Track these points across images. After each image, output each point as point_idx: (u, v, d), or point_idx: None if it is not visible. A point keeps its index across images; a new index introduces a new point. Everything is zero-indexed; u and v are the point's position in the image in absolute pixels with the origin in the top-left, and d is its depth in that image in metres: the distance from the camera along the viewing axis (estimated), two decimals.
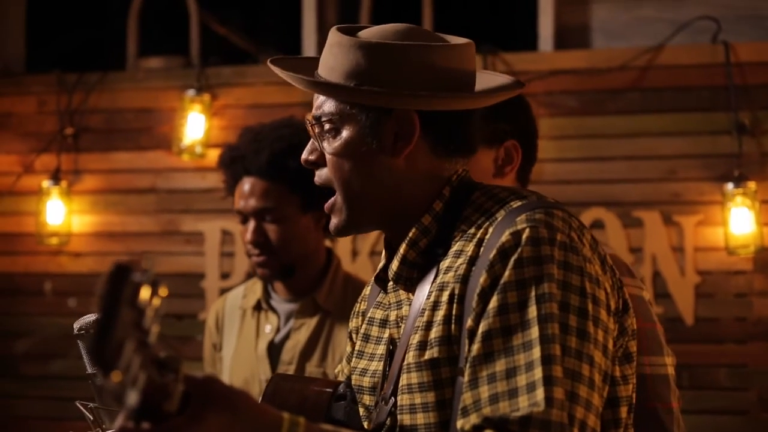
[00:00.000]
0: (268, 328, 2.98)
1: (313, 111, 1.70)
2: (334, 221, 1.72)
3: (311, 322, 2.94)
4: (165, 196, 4.75)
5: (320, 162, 1.70)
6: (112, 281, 1.17)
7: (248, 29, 6.15)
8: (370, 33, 1.70)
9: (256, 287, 3.05)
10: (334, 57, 1.67)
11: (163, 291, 1.22)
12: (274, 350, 2.96)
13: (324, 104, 1.69)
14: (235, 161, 2.94)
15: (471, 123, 1.72)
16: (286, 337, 2.96)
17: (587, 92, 4.37)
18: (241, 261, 4.51)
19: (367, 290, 1.90)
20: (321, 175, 1.71)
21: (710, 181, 4.24)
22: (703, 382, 4.13)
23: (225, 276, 4.62)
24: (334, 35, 1.69)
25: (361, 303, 1.90)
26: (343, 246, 4.45)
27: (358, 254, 4.50)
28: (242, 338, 3.03)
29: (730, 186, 4.14)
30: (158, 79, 4.80)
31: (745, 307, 4.19)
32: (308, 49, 4.73)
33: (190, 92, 4.63)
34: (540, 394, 1.43)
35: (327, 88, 1.67)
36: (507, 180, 2.34)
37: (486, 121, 2.25)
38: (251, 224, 2.89)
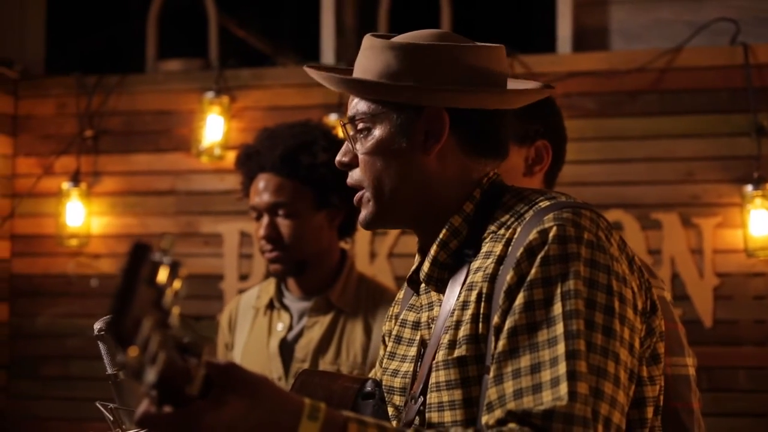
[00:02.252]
0: (280, 326, 2.99)
1: (348, 112, 1.73)
2: (363, 213, 1.73)
3: (325, 320, 2.95)
4: (184, 197, 4.76)
5: (353, 163, 1.73)
6: (130, 259, 1.19)
7: (267, 32, 6.17)
8: (404, 37, 1.74)
9: (270, 287, 3.07)
10: (367, 59, 1.71)
11: (183, 272, 1.23)
12: (286, 348, 2.96)
13: (357, 104, 1.72)
14: (250, 158, 2.97)
15: (502, 124, 1.73)
16: (299, 334, 2.96)
17: (606, 94, 4.36)
18: (260, 262, 4.52)
19: (400, 294, 1.91)
20: (353, 176, 1.73)
21: (729, 183, 4.22)
22: (722, 384, 4.11)
23: (243, 277, 4.63)
24: (367, 40, 1.73)
25: (394, 306, 1.92)
26: (361, 247, 4.45)
27: (376, 256, 4.50)
28: (253, 336, 3.03)
29: (749, 188, 4.12)
30: (177, 82, 4.81)
31: (764, 309, 4.17)
32: (326, 51, 4.74)
33: (209, 94, 4.64)
34: (564, 388, 1.43)
35: (355, 85, 1.70)
36: (535, 180, 2.35)
37: (519, 120, 2.26)
38: (264, 219, 2.91)
